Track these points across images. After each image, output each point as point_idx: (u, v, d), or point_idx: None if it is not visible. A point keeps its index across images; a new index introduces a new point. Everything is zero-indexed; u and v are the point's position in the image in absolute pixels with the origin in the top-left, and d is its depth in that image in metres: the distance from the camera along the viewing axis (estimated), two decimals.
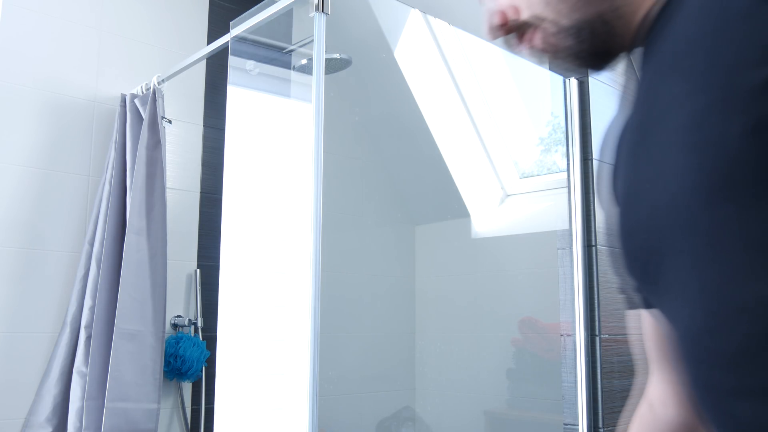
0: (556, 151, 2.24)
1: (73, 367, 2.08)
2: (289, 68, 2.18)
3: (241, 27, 1.78)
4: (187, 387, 2.47)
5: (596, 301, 1.93)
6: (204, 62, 2.62)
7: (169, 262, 2.22)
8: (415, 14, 2.48)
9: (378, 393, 2.87)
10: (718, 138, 0.52)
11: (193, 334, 2.43)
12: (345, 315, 2.77)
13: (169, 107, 2.41)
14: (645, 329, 0.83)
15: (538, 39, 0.67)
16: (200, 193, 2.61)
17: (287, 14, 1.69)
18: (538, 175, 2.64)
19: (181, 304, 2.51)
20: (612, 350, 1.95)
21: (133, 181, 2.15)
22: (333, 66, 2.51)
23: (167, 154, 2.38)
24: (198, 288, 2.51)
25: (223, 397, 1.92)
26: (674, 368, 0.74)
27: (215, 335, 2.40)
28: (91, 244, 2.18)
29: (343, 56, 2.49)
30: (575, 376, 1.92)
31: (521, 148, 2.77)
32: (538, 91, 2.29)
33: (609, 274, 1.99)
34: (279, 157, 2.12)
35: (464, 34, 2.47)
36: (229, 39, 1.83)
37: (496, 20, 0.73)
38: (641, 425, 0.94)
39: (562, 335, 1.97)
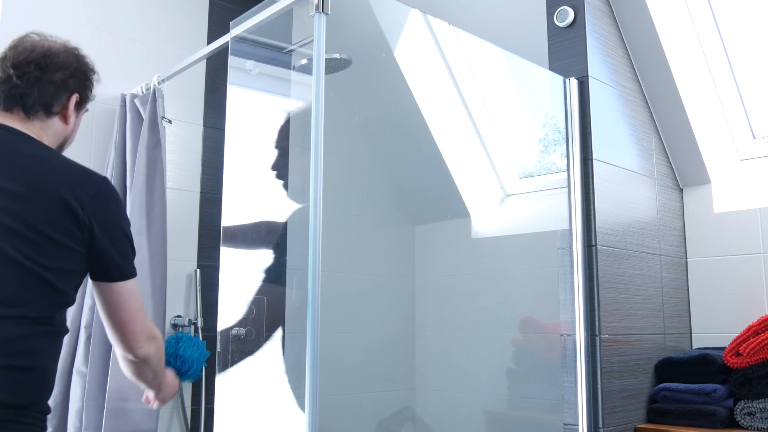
0: (554, 151, 2.24)
1: (73, 367, 2.08)
2: (289, 68, 2.18)
3: (241, 27, 1.78)
4: (187, 387, 2.47)
5: (596, 301, 1.93)
6: (204, 62, 2.62)
7: (169, 262, 2.22)
8: (415, 14, 2.48)
9: (378, 393, 2.87)
10: None
11: (193, 334, 2.43)
12: (345, 315, 2.77)
13: (169, 107, 2.41)
14: None
15: None
16: (200, 193, 2.61)
17: (287, 14, 1.69)
18: (538, 175, 2.64)
19: (181, 304, 2.51)
20: (612, 350, 1.95)
21: (133, 181, 2.15)
22: (333, 66, 2.52)
23: (167, 154, 2.38)
24: (198, 288, 2.51)
25: (223, 397, 1.92)
26: None
27: (215, 335, 2.40)
28: None
29: (343, 56, 2.49)
30: (575, 376, 1.92)
31: (521, 148, 2.77)
32: (538, 91, 2.29)
33: (609, 274, 1.99)
34: (279, 157, 2.12)
35: (464, 34, 2.47)
36: (229, 39, 1.83)
37: None
38: None
39: (562, 335, 1.97)
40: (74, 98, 1.46)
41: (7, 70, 1.37)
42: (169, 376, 1.58)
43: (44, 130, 1.40)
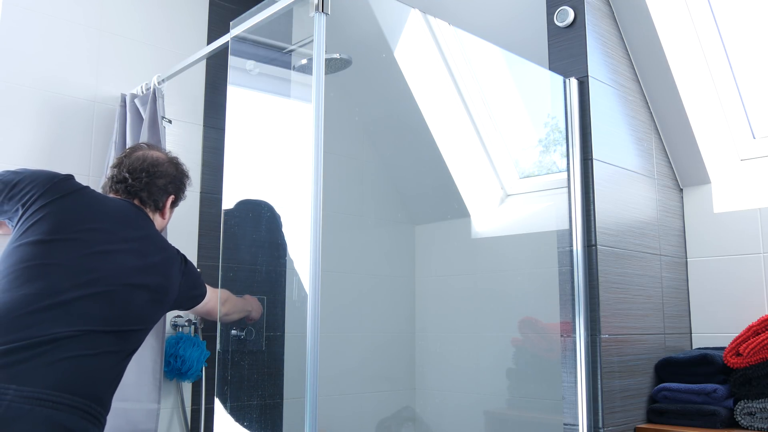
0: (555, 151, 2.24)
1: None
2: (289, 68, 2.18)
3: (241, 27, 1.78)
4: (187, 387, 2.47)
5: (596, 301, 1.93)
6: (204, 62, 2.62)
7: None
8: (415, 14, 2.48)
9: (378, 393, 2.87)
10: None
11: (193, 334, 2.43)
12: (345, 315, 2.77)
13: (169, 107, 2.41)
14: None
15: None
16: (200, 193, 2.61)
17: (287, 14, 1.69)
18: (537, 175, 2.64)
19: None
20: (612, 350, 1.95)
21: None
22: (333, 66, 2.51)
23: None
24: None
25: (223, 398, 1.92)
26: None
27: (215, 335, 2.40)
28: None
29: (343, 56, 2.49)
30: (575, 376, 1.92)
31: (521, 148, 2.77)
32: (537, 91, 2.29)
33: (609, 274, 1.99)
34: (279, 157, 2.12)
35: (464, 34, 2.47)
36: (229, 39, 1.83)
37: None
38: None
39: (562, 335, 1.97)
40: (171, 198, 1.92)
41: (124, 173, 1.85)
42: (246, 303, 2.15)
43: (153, 219, 1.88)
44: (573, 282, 1.96)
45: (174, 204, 1.95)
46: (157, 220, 1.90)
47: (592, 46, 2.07)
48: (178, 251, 1.86)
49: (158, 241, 1.82)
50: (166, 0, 2.60)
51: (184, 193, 1.98)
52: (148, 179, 1.85)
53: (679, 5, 2.16)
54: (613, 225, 2.04)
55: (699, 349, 2.15)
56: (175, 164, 1.95)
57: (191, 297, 1.90)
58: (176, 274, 1.80)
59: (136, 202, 1.85)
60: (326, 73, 1.52)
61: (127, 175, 1.84)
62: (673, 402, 2.01)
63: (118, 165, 1.88)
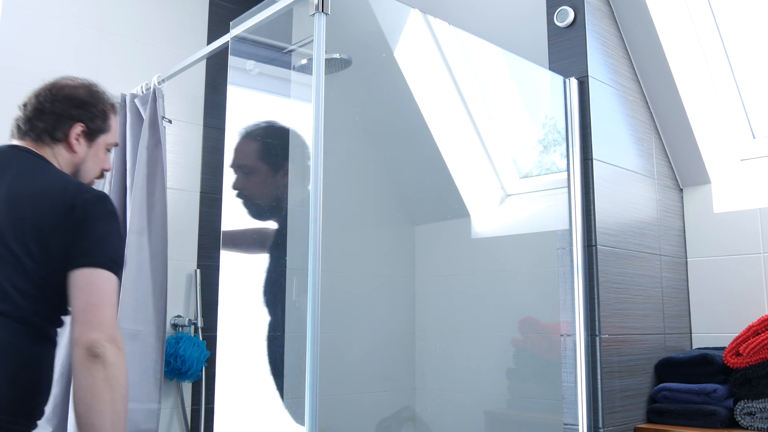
0: (555, 151, 2.24)
1: None
2: (289, 68, 2.18)
3: (241, 27, 1.78)
4: (187, 387, 2.47)
5: (596, 301, 1.93)
6: (204, 62, 2.62)
7: (169, 262, 2.22)
8: (415, 14, 2.48)
9: (378, 393, 2.87)
10: None
11: (193, 334, 2.43)
12: (345, 315, 2.77)
13: (170, 107, 2.41)
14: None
15: None
16: (200, 193, 2.61)
17: (287, 14, 1.69)
18: (537, 175, 2.64)
19: (181, 304, 2.51)
20: (612, 350, 1.95)
21: (133, 181, 2.15)
22: (333, 66, 2.52)
23: (167, 154, 2.38)
24: (198, 288, 2.51)
25: (223, 397, 1.92)
26: None
27: (215, 335, 2.40)
28: None
29: (343, 56, 2.50)
30: (575, 376, 1.92)
31: (521, 148, 2.77)
32: (537, 91, 2.29)
33: (609, 274, 1.99)
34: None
35: (464, 34, 2.47)
36: (229, 39, 1.83)
37: None
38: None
39: (562, 335, 1.97)
40: (78, 127, 1.53)
41: (22, 112, 1.54)
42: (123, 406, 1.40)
43: (55, 156, 1.51)
44: (573, 282, 1.96)
45: (89, 136, 1.55)
46: (62, 153, 1.51)
47: (592, 46, 2.07)
48: (91, 188, 1.47)
49: (42, 174, 1.44)
50: (166, 0, 2.60)
51: (102, 122, 1.57)
52: (41, 107, 1.51)
53: (679, 5, 2.16)
54: (613, 225, 2.04)
55: (699, 349, 2.15)
56: (87, 87, 1.57)
57: (81, 249, 1.36)
58: (59, 193, 1.40)
59: (28, 144, 1.50)
60: (326, 73, 1.52)
61: (23, 114, 1.52)
62: (673, 402, 2.01)
63: (22, 106, 1.55)
